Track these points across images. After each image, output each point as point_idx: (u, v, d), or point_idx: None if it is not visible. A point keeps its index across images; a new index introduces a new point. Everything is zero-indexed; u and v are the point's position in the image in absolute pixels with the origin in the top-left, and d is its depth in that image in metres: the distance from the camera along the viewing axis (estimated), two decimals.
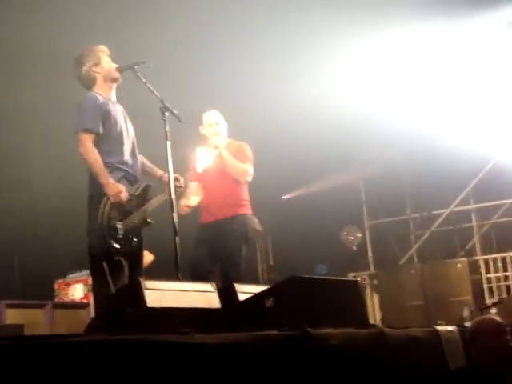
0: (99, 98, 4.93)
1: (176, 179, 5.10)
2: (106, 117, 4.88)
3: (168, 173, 4.94)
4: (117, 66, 5.05)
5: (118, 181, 4.85)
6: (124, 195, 4.78)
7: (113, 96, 5.08)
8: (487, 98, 9.77)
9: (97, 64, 5.00)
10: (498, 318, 3.97)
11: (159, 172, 5.23)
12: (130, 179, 4.96)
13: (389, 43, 9.03)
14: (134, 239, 4.83)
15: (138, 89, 5.06)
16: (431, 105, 9.69)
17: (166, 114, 4.97)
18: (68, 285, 7.72)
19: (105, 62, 5.02)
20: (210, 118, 6.04)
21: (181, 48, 8.14)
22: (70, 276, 7.78)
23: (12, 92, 7.98)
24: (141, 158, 5.22)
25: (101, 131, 4.84)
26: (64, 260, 8.03)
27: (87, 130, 4.79)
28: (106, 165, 4.83)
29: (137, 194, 4.93)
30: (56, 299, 7.67)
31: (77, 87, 5.13)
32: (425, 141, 10.28)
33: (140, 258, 5.02)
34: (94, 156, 4.77)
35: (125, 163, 4.94)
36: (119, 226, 4.74)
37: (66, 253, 7.88)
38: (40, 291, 8.00)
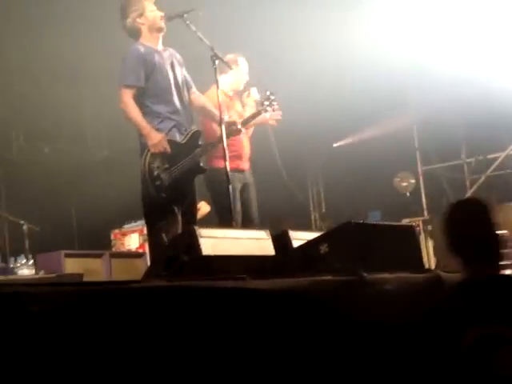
0: (142, 49, 4.93)
1: (233, 123, 5.10)
2: (151, 68, 4.89)
3: (220, 125, 4.93)
4: (162, 14, 5.01)
5: (170, 130, 4.87)
6: (165, 144, 4.79)
7: (159, 45, 5.05)
8: None
9: (141, 14, 4.97)
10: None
11: (216, 112, 5.08)
12: (180, 128, 4.97)
13: None
14: (186, 187, 4.86)
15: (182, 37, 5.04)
16: (484, 47, 9.42)
17: (217, 61, 4.95)
18: (124, 235, 7.86)
19: (149, 11, 4.97)
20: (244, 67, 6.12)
21: None
22: (126, 226, 7.91)
23: (61, 42, 8.03)
24: (200, 99, 5.22)
25: (143, 85, 4.87)
26: (120, 210, 8.14)
27: (127, 86, 4.85)
28: (156, 115, 4.86)
29: (184, 142, 4.94)
30: (113, 249, 7.82)
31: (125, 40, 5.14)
32: (479, 83, 10.03)
33: (193, 205, 5.05)
34: (132, 110, 4.82)
35: (175, 112, 4.96)
36: (163, 175, 4.77)
37: (121, 203, 7.98)
38: (97, 241, 8.18)
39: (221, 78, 5.34)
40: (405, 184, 11.50)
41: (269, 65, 9.17)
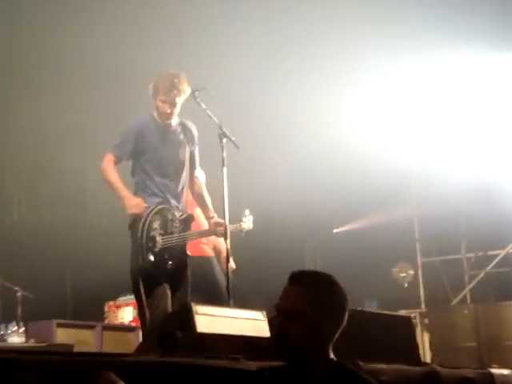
0: (141, 123, 5.01)
1: (220, 224, 5.09)
2: (142, 143, 4.95)
3: (223, 201, 4.96)
4: (167, 112, 5.03)
5: (156, 205, 4.89)
6: (142, 206, 4.81)
7: (175, 119, 5.06)
8: None
9: (155, 94, 5.02)
10: None
11: (209, 212, 5.24)
12: (167, 205, 4.96)
13: (438, 75, 8.99)
14: (170, 262, 4.83)
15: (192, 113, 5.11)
16: (491, 143, 9.56)
17: (224, 140, 5.00)
18: (118, 307, 7.75)
19: (159, 94, 4.98)
20: None
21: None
22: (121, 298, 7.81)
23: (68, 110, 8.17)
24: (201, 186, 5.26)
25: (125, 158, 4.98)
26: (116, 282, 8.08)
27: (112, 152, 4.97)
28: (144, 187, 4.92)
29: (181, 218, 4.96)
30: (106, 321, 7.70)
31: (135, 106, 5.21)
32: (482, 179, 10.12)
33: (182, 283, 4.98)
34: (110, 175, 4.91)
35: (164, 189, 4.97)
36: (158, 238, 4.77)
37: (117, 275, 7.92)
38: (91, 312, 8.07)
39: None
40: (403, 275, 11.44)
41: (271, 146, 9.31)
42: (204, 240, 6.12)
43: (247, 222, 5.41)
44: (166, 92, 4.92)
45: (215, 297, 5.83)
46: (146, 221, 4.75)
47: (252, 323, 4.02)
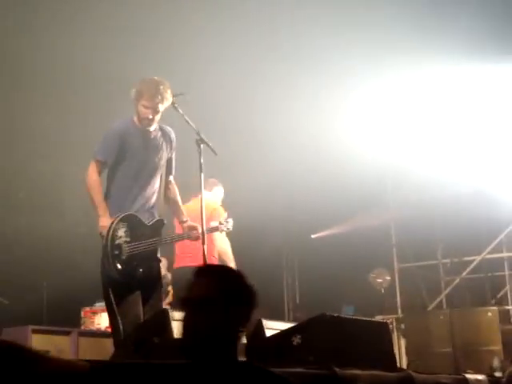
0: (123, 128, 4.97)
1: (194, 228, 5.09)
2: (125, 148, 4.91)
3: (200, 207, 4.96)
4: (148, 117, 5.01)
5: (136, 211, 4.86)
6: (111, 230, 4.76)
7: (154, 124, 5.04)
8: None
9: (136, 99, 4.99)
10: None
11: (183, 217, 5.22)
12: (143, 210, 4.94)
13: (421, 85, 9.07)
14: (140, 269, 4.79)
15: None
16: (467, 150, 9.64)
17: (202, 146, 5.00)
18: (94, 313, 7.71)
19: (140, 110, 4.97)
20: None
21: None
22: (97, 304, 7.78)
23: (41, 115, 8.11)
24: (175, 192, 5.23)
25: (111, 162, 4.90)
26: (92, 288, 8.03)
27: (97, 160, 4.89)
28: (123, 190, 4.88)
29: (150, 224, 4.93)
30: (82, 327, 7.66)
31: (112, 114, 5.18)
32: (459, 185, 10.21)
33: (155, 289, 4.95)
34: (94, 185, 4.84)
35: (141, 194, 4.95)
36: (124, 246, 4.72)
37: (94, 281, 7.88)
38: (67, 318, 8.01)
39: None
40: (380, 280, 11.50)
41: (249, 151, 9.32)
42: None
43: (226, 224, 5.43)
44: (149, 98, 4.90)
45: None
46: (110, 229, 4.67)
47: None
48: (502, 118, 9.58)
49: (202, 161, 4.99)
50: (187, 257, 6.46)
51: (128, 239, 4.75)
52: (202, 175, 5.00)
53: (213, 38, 7.86)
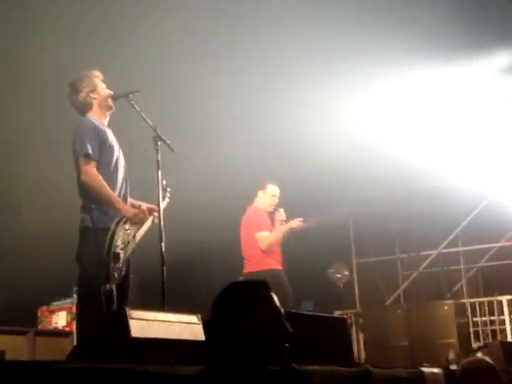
0: (96, 122, 4.91)
1: (153, 210, 5.03)
2: (103, 143, 4.84)
3: (158, 206, 4.92)
4: (111, 93, 5.03)
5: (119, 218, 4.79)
6: (140, 215, 4.76)
7: (106, 123, 5.06)
8: (480, 141, 9.86)
9: (93, 90, 4.98)
10: (489, 360, 3.91)
11: (136, 203, 5.14)
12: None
13: (383, 84, 9.15)
14: (124, 269, 4.76)
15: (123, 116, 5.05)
16: (422, 145, 9.75)
17: (159, 143, 4.97)
18: (52, 312, 7.63)
19: (101, 88, 5.01)
20: (275, 191, 7.57)
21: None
22: (54, 303, 7.69)
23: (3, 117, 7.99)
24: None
25: (97, 158, 4.79)
26: (49, 287, 7.94)
27: (88, 156, 4.73)
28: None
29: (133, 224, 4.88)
30: (39, 326, 7.57)
31: (70, 113, 5.11)
32: (415, 180, 10.33)
33: (127, 288, 4.93)
34: (101, 183, 4.71)
35: (120, 191, 4.90)
36: (121, 254, 4.67)
37: (51, 279, 7.80)
38: (23, 318, 7.90)
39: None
40: (338, 275, 11.57)
41: (204, 148, 9.30)
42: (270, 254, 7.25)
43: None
44: (101, 81, 4.98)
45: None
46: (112, 239, 4.59)
47: (187, 327, 4.01)
48: (461, 115, 9.71)
49: (159, 158, 4.97)
50: (271, 258, 7.31)
51: (122, 246, 4.70)
52: (160, 172, 4.97)
53: (169, 33, 7.82)
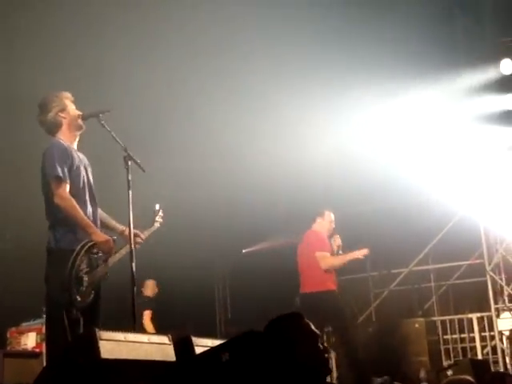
0: (62, 144, 4.88)
1: (137, 235, 5.03)
2: (71, 165, 4.81)
3: (129, 226, 4.89)
4: (80, 113, 5.02)
5: (86, 242, 4.74)
6: (111, 244, 4.72)
7: (75, 144, 5.03)
8: (449, 160, 9.97)
9: (63, 110, 4.95)
10: (471, 379, 3.94)
11: (120, 227, 5.14)
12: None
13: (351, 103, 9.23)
14: (92, 293, 4.71)
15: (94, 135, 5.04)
16: (392, 164, 9.83)
17: (129, 162, 4.96)
18: (21, 333, 7.55)
19: (71, 108, 4.99)
20: (332, 217, 8.05)
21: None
22: (24, 324, 7.61)
23: None
24: (100, 211, 5.13)
25: (68, 180, 4.75)
26: (18, 308, 7.86)
27: (59, 178, 4.69)
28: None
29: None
30: (8, 348, 7.48)
31: (39, 132, 5.08)
32: (386, 199, 10.41)
33: (97, 312, 4.87)
34: (75, 206, 4.67)
35: (87, 215, 4.86)
36: (85, 278, 4.62)
37: (20, 300, 7.72)
38: None
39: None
40: None
41: (180, 164, 9.30)
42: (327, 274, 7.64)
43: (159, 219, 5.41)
44: (71, 102, 4.97)
45: (344, 328, 7.68)
46: (75, 262, 4.53)
47: (158, 347, 3.99)
48: (430, 133, 9.81)
49: (129, 178, 4.94)
50: (329, 279, 7.66)
51: (88, 269, 4.64)
52: (130, 192, 4.94)
53: (142, 51, 7.84)
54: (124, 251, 4.94)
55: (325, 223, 7.98)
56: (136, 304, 4.75)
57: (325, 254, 7.73)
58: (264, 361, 3.17)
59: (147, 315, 9.31)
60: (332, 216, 8.06)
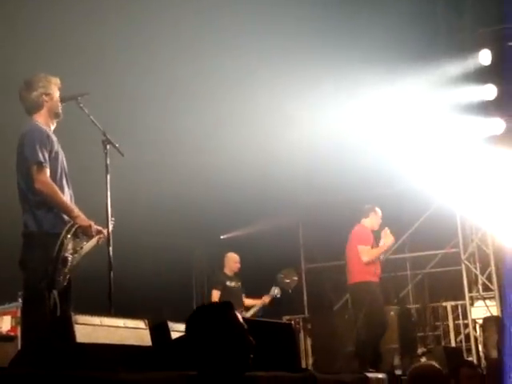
0: (43, 128, 4.83)
1: (100, 231, 4.92)
2: (51, 150, 4.77)
3: (106, 210, 4.87)
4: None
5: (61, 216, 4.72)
6: (94, 228, 4.71)
7: (52, 129, 4.97)
8: (425, 149, 10.02)
9: (48, 94, 4.90)
10: (437, 365, 3.98)
11: (74, 211, 4.92)
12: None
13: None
14: (67, 277, 4.69)
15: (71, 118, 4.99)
16: (369, 153, 9.87)
17: (108, 146, 4.93)
18: None
19: (55, 94, 4.93)
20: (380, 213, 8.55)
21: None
22: None
23: None
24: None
25: (48, 165, 4.71)
26: None
27: (40, 164, 4.64)
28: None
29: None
30: None
31: (16, 113, 5.02)
32: (363, 188, 10.46)
33: (70, 296, 4.85)
34: (57, 191, 4.64)
35: (69, 197, 4.84)
36: (70, 258, 4.60)
37: None
38: None
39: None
40: (288, 280, 11.61)
41: (159, 152, 9.26)
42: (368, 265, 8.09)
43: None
44: (57, 90, 4.90)
45: (379, 319, 7.95)
46: (62, 244, 4.52)
47: (133, 332, 3.99)
48: (407, 123, 9.86)
49: (108, 162, 4.92)
50: (370, 271, 8.09)
51: (72, 251, 4.63)
52: (108, 176, 4.92)
53: (123, 36, 7.78)
54: (91, 243, 4.87)
55: (377, 218, 8.54)
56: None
57: (364, 248, 8.24)
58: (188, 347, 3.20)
59: None
60: (380, 212, 8.63)
